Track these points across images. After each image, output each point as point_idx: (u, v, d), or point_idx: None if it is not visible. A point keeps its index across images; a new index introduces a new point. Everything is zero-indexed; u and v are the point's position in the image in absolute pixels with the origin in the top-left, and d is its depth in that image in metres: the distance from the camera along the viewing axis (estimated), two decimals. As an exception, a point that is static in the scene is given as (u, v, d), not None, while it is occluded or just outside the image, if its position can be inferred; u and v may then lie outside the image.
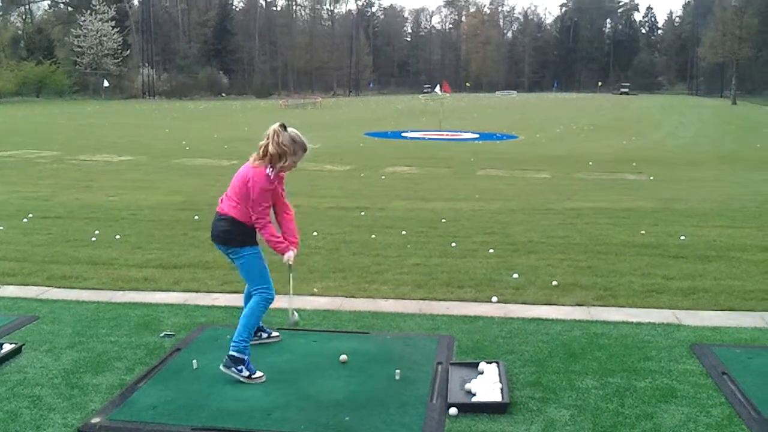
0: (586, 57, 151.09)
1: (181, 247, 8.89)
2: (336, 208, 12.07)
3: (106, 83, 75.30)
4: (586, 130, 35.92)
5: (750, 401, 4.37)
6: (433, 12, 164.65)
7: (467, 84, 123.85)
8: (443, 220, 10.74)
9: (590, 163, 20.18)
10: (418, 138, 30.96)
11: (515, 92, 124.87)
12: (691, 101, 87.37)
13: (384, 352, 5.26)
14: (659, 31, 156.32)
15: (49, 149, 23.00)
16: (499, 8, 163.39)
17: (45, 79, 76.84)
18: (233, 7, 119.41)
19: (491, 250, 8.64)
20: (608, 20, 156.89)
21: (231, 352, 4.78)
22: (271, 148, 4.74)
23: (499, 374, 4.74)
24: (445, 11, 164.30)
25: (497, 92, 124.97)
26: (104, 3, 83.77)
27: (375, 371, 4.91)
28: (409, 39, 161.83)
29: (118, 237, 9.35)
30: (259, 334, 5.35)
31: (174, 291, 6.98)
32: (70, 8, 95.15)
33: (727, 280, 7.28)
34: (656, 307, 6.43)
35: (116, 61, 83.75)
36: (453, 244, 9.01)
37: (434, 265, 7.96)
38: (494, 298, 6.69)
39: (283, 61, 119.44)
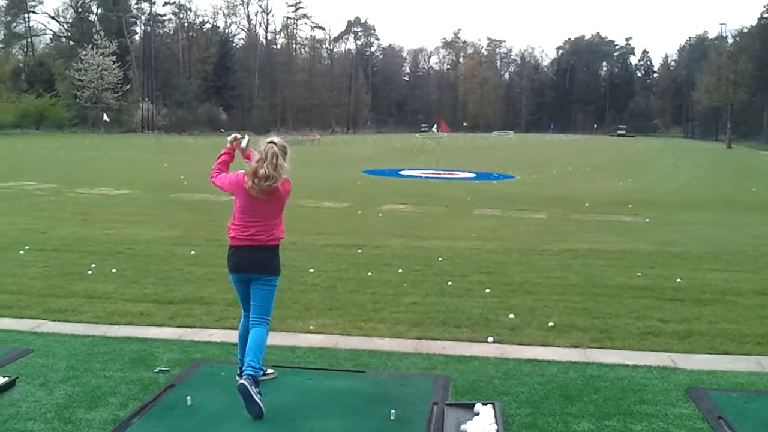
0: (582, 99, 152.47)
1: (177, 282, 8.87)
2: (333, 245, 12.06)
3: (106, 117, 75.59)
4: (583, 172, 36.12)
5: (746, 447, 4.35)
6: (431, 53, 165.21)
7: (464, 124, 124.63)
8: (440, 259, 10.75)
9: (586, 204, 20.25)
10: (416, 176, 31.11)
11: (512, 133, 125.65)
12: (687, 144, 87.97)
13: (380, 391, 5.24)
14: (655, 75, 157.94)
15: (48, 182, 23.05)
16: (497, 50, 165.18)
17: (45, 112, 77.10)
18: (234, 44, 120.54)
19: (488, 290, 8.63)
20: (604, 63, 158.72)
21: (253, 375, 4.85)
22: (283, 168, 5.02)
23: (495, 416, 4.72)
24: (443, 52, 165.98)
25: (494, 132, 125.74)
26: (106, 38, 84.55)
27: (370, 411, 4.88)
28: (407, 79, 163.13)
29: (114, 271, 9.33)
30: None
31: (169, 326, 6.96)
32: (71, 42, 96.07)
33: (722, 324, 7.29)
34: (652, 350, 6.43)
35: (116, 95, 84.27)
36: (449, 283, 9.01)
37: (431, 303, 7.96)
38: (490, 338, 6.68)
39: (282, 99, 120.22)
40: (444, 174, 32.23)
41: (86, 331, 6.70)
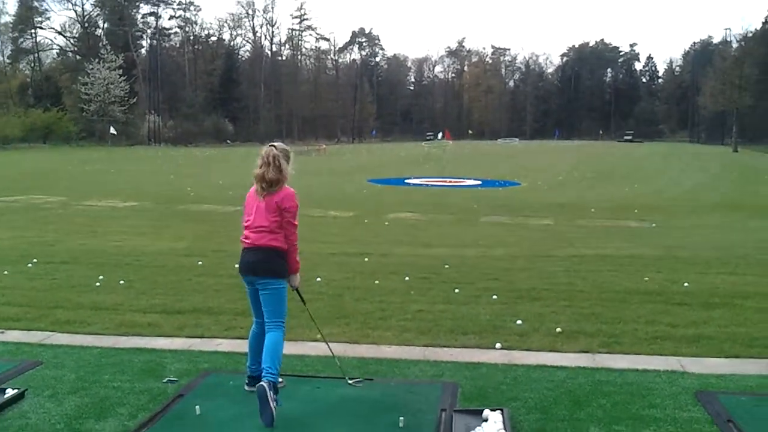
0: (587, 105, 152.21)
1: (185, 292, 8.89)
2: (339, 254, 12.09)
3: (113, 130, 75.78)
4: (588, 178, 36.08)
5: (756, 450, 4.34)
6: (435, 61, 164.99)
7: (469, 132, 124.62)
8: (446, 266, 10.75)
9: (592, 210, 20.26)
10: (422, 184, 31.14)
11: (517, 140, 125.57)
12: (693, 149, 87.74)
13: (388, 399, 5.24)
14: (659, 80, 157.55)
15: (56, 195, 23.17)
16: (501, 58, 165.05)
17: (52, 126, 77.37)
18: (239, 56, 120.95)
19: (495, 297, 8.63)
20: (609, 69, 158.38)
21: (272, 381, 4.88)
22: (286, 172, 5.06)
23: (504, 422, 4.72)
24: (447, 61, 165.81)
25: (499, 140, 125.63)
26: (112, 52, 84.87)
27: (379, 419, 4.89)
28: (412, 87, 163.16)
29: (122, 282, 9.36)
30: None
31: (178, 337, 6.98)
32: (78, 56, 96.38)
33: (731, 328, 7.26)
34: (661, 354, 6.41)
35: (123, 108, 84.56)
36: (456, 291, 9.01)
37: (438, 311, 7.96)
38: (498, 345, 6.67)
39: (287, 109, 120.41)
40: (450, 182, 32.27)
41: (95, 343, 6.72)
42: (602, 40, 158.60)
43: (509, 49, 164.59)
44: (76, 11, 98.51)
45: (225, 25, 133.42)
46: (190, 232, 14.91)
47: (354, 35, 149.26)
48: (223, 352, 6.50)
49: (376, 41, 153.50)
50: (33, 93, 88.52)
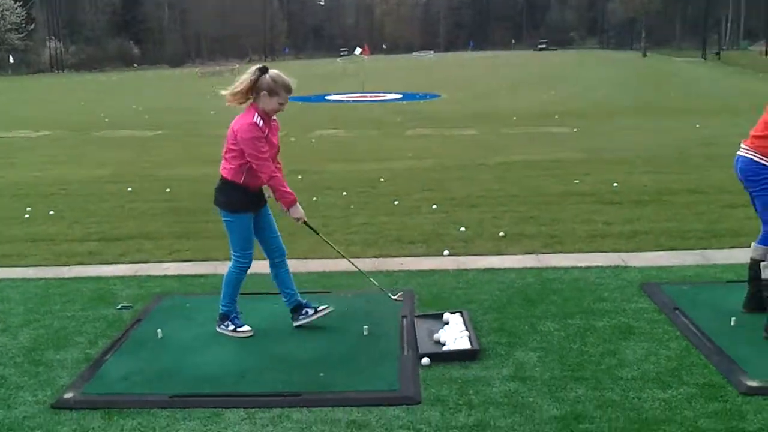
0: (499, 16, 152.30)
1: (119, 219, 8.70)
2: (271, 173, 11.94)
3: (11, 59, 71.90)
4: (506, 87, 36.37)
5: (704, 333, 4.60)
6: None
7: (383, 46, 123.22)
8: (381, 180, 10.80)
9: (514, 118, 20.50)
10: (343, 101, 30.84)
11: (432, 52, 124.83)
12: (604, 55, 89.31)
13: (348, 309, 5.30)
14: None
15: (-40, 128, 22.00)
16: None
17: (-54, 57, 73.02)
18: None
19: (434, 206, 8.75)
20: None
21: (219, 311, 4.92)
22: (242, 87, 4.54)
23: (465, 323, 4.85)
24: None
25: (414, 53, 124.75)
26: (5, -23, 79.83)
27: (343, 329, 4.95)
28: (322, 3, 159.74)
29: (52, 213, 9.08)
30: (303, 311, 5.00)
31: (122, 263, 6.85)
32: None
33: (663, 223, 7.59)
34: (602, 251, 6.67)
35: (21, 35, 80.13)
36: (396, 203, 9.09)
37: (381, 223, 8.03)
38: (446, 252, 6.81)
39: (195, 29, 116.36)
40: (370, 97, 32.02)
41: (37, 274, 6.54)
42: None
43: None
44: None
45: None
46: (111, 158, 14.44)
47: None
48: (172, 275, 6.43)
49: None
50: None
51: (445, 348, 4.54)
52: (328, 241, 5.38)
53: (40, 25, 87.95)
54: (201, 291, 5.97)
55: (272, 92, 4.56)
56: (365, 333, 4.84)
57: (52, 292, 6.00)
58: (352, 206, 9.01)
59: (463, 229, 7.57)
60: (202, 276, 6.36)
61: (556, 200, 8.96)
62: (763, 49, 63.66)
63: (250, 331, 4.89)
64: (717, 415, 3.64)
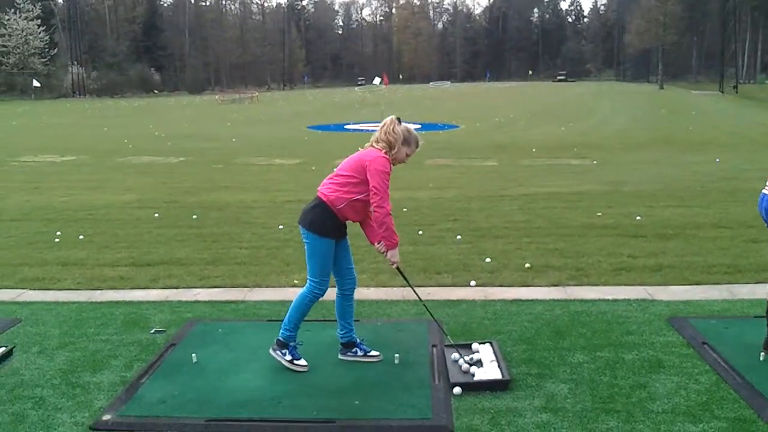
0: (515, 46, 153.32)
1: (149, 245, 8.81)
2: (294, 201, 12.05)
3: (36, 83, 72.91)
4: (524, 118, 36.50)
5: (733, 368, 4.64)
6: (363, 4, 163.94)
7: (400, 76, 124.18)
8: (404, 210, 10.88)
9: (533, 149, 20.58)
10: (362, 130, 31.04)
11: (449, 82, 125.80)
12: (620, 87, 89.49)
13: (378, 338, 5.37)
14: (585, 19, 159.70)
15: (-14, 152, 22.33)
16: (429, 0, 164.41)
17: (-30, 81, 74.23)
18: (161, 2, 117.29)
19: (459, 237, 8.82)
20: (535, 10, 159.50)
21: (278, 338, 4.90)
22: (381, 135, 4.80)
23: (494, 353, 4.91)
24: (375, 3, 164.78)
25: (431, 83, 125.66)
26: (29, 1, 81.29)
27: (375, 357, 5.02)
28: (340, 32, 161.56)
29: (81, 237, 9.22)
30: (353, 350, 5.05)
31: (153, 288, 6.95)
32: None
33: (689, 257, 7.63)
34: (628, 284, 6.71)
35: (44, 60, 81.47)
36: (420, 232, 9.17)
37: (407, 252, 8.07)
38: (472, 282, 6.87)
39: (214, 57, 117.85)
40: (389, 126, 32.15)
41: (70, 298, 6.65)
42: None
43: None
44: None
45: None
46: (137, 184, 14.63)
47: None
48: (202, 301, 6.52)
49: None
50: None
51: (476, 378, 4.59)
52: (415, 290, 5.32)
53: (62, 50, 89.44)
54: (233, 317, 6.06)
55: (405, 142, 4.83)
56: (396, 361, 4.90)
57: (85, 315, 6.11)
58: (376, 235, 9.08)
59: (488, 260, 7.64)
60: (232, 302, 6.46)
61: (579, 232, 9.01)
62: (781, 83, 63.62)
63: (306, 366, 4.85)
64: (750, 449, 3.67)
